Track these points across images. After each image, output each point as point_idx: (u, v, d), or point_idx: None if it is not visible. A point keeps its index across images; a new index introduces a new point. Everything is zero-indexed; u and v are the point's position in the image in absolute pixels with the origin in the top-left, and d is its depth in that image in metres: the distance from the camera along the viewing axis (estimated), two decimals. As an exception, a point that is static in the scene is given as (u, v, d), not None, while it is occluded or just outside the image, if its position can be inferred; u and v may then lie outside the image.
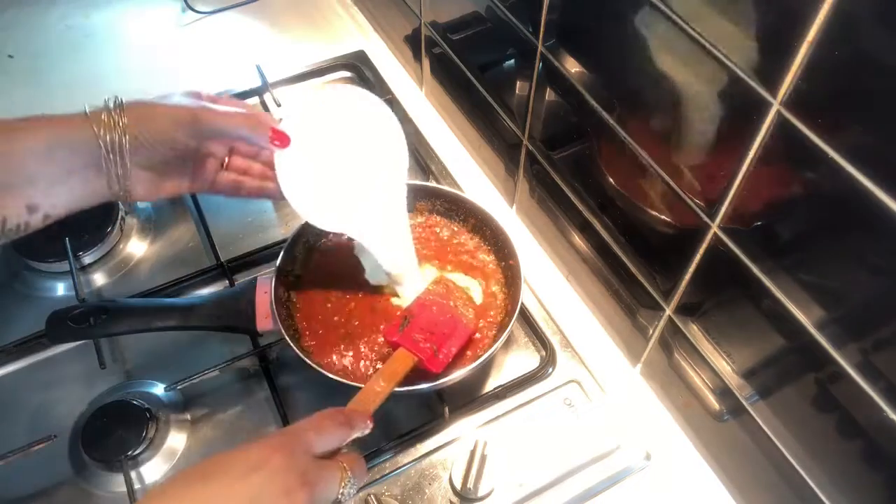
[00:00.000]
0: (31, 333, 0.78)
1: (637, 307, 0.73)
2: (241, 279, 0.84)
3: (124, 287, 0.85)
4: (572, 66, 0.69)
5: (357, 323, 0.74)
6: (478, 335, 0.72)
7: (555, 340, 0.78)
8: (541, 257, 0.89)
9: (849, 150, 0.43)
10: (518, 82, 0.80)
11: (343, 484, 0.50)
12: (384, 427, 0.73)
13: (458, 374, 0.67)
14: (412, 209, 0.82)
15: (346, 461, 0.52)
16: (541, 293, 0.83)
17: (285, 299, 0.74)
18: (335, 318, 0.74)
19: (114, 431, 0.70)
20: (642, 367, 0.77)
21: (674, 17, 0.52)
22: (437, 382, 0.67)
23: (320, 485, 0.49)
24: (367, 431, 0.56)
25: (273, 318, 0.70)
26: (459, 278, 0.77)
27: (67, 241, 0.84)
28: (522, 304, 0.75)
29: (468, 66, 0.91)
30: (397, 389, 0.67)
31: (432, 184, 0.87)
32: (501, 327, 0.72)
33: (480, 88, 0.89)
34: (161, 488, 0.46)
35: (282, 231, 0.90)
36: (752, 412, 0.61)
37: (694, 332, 0.65)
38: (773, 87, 0.46)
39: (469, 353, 0.71)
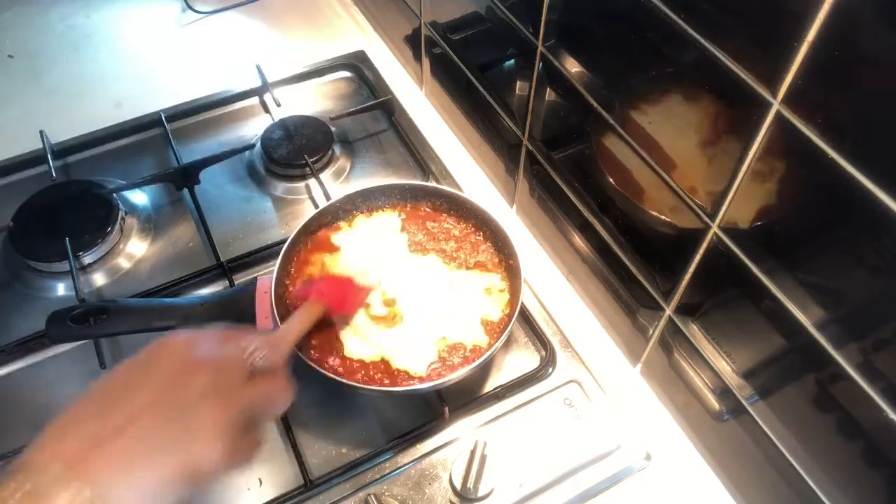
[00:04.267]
0: (31, 333, 0.78)
1: (637, 307, 0.73)
2: (241, 279, 0.84)
3: (124, 287, 0.85)
4: (572, 66, 0.69)
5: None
6: (479, 340, 0.72)
7: (555, 340, 0.78)
8: (541, 257, 0.89)
9: (848, 149, 0.43)
10: (518, 82, 0.80)
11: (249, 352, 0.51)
12: (384, 427, 0.73)
13: (458, 374, 0.67)
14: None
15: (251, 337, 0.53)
16: (541, 293, 0.83)
17: (285, 299, 0.74)
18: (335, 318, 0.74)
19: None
20: (642, 367, 0.77)
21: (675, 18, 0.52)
22: (438, 382, 0.67)
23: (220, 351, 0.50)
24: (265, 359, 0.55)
25: (273, 318, 0.70)
26: (474, 276, 0.77)
27: (67, 241, 0.84)
28: (522, 303, 0.75)
29: (468, 66, 0.91)
30: (397, 389, 0.67)
31: (432, 184, 0.87)
32: (502, 327, 0.72)
33: (480, 88, 0.89)
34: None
35: (282, 231, 0.90)
36: (752, 412, 0.61)
37: (694, 332, 0.65)
38: (772, 87, 0.46)
39: (468, 354, 0.71)
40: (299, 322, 0.64)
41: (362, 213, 0.82)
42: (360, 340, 0.71)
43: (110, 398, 0.46)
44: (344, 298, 0.72)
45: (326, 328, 0.73)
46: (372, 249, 0.78)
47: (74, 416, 0.46)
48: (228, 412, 0.47)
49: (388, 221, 0.82)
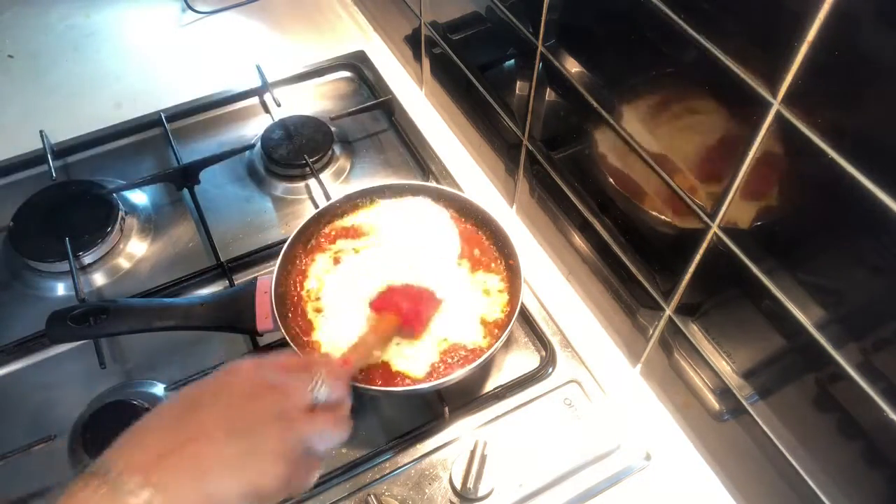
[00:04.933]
0: (31, 333, 0.78)
1: (637, 307, 0.73)
2: (241, 279, 0.84)
3: (124, 287, 0.85)
4: (572, 66, 0.69)
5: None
6: (479, 340, 0.72)
7: (555, 340, 0.78)
8: (541, 257, 0.89)
9: (848, 149, 0.43)
10: (518, 82, 0.80)
11: (314, 386, 0.52)
12: (384, 427, 0.73)
13: (458, 374, 0.67)
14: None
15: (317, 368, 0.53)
16: (541, 293, 0.83)
17: (285, 299, 0.74)
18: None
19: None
20: (642, 367, 0.77)
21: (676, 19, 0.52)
22: (438, 382, 0.67)
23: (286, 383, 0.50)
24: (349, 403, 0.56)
25: (273, 319, 0.70)
26: (474, 276, 0.77)
27: (68, 241, 0.84)
28: (522, 303, 0.75)
29: (468, 66, 0.91)
30: (397, 389, 0.67)
31: (432, 183, 0.87)
32: (502, 327, 0.72)
33: (480, 88, 0.89)
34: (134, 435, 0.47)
35: (282, 231, 0.90)
36: (751, 412, 0.61)
37: (694, 332, 0.65)
38: (772, 87, 0.46)
39: (468, 354, 0.71)
40: (366, 347, 0.65)
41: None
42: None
43: (182, 413, 0.48)
44: (418, 312, 0.70)
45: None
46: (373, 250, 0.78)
47: (148, 427, 0.48)
48: (291, 438, 0.48)
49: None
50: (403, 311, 0.69)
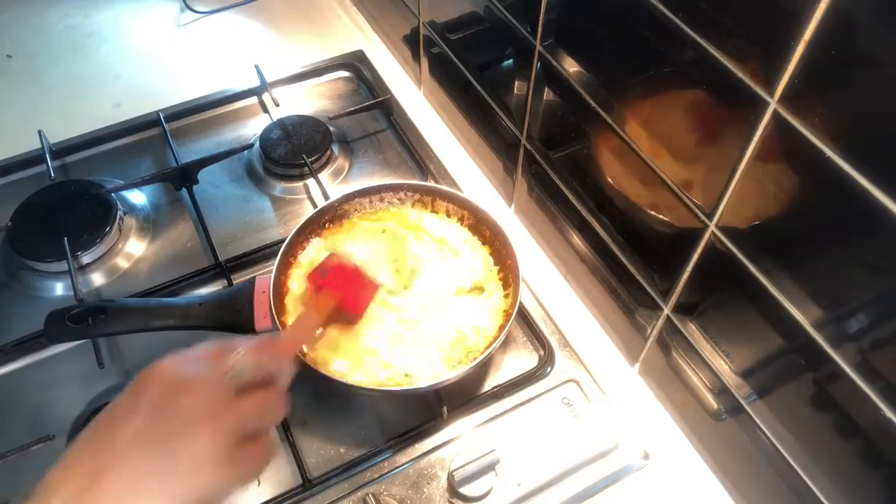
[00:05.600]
0: (29, 333, 0.78)
1: (635, 307, 0.73)
2: (240, 279, 0.84)
3: (123, 287, 0.85)
4: (570, 66, 0.69)
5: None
6: (477, 339, 0.72)
7: (553, 340, 0.78)
8: (539, 257, 0.89)
9: (846, 148, 0.43)
10: (516, 82, 0.80)
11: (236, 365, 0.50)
12: (383, 426, 0.73)
13: (456, 374, 0.67)
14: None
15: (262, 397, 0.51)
16: (539, 293, 0.83)
17: (284, 299, 0.74)
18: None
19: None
20: (640, 367, 0.77)
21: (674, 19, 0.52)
22: (436, 382, 0.67)
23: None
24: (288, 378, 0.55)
25: (271, 318, 0.70)
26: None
27: (66, 241, 0.84)
28: (521, 303, 0.75)
29: (467, 66, 0.91)
30: (395, 389, 0.67)
31: (430, 183, 0.87)
32: (500, 327, 0.72)
33: (479, 88, 0.89)
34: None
35: (280, 231, 0.90)
36: (749, 411, 0.61)
37: (692, 331, 0.66)
38: (769, 86, 0.46)
39: (468, 356, 0.71)
40: (304, 325, 0.63)
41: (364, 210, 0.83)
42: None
43: (105, 432, 0.46)
44: (356, 294, 0.69)
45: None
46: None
47: (76, 451, 0.46)
48: (216, 434, 0.46)
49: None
50: (341, 292, 0.67)
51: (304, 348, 0.69)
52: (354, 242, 0.78)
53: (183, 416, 0.46)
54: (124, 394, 0.49)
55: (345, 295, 0.68)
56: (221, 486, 0.46)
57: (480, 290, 0.75)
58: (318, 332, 0.69)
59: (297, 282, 0.75)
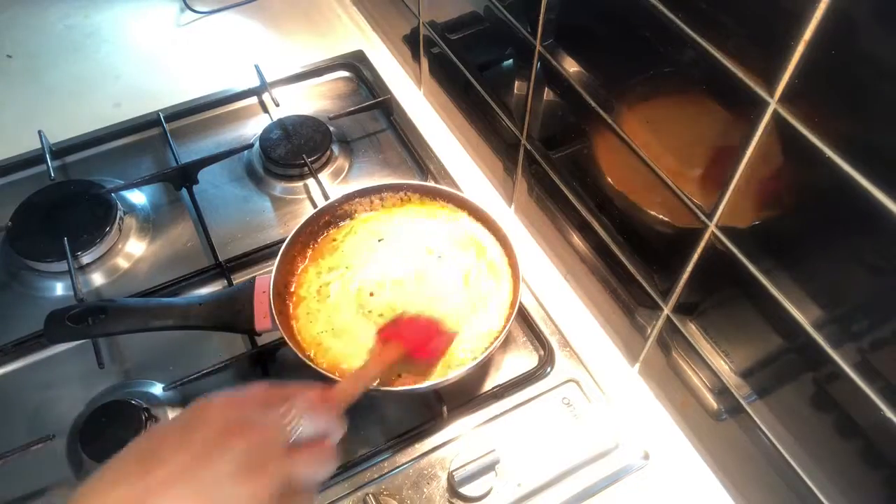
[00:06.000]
0: (29, 333, 0.78)
1: (635, 306, 0.73)
2: (240, 279, 0.84)
3: (123, 287, 0.85)
4: (570, 66, 0.69)
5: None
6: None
7: (553, 340, 0.78)
8: (539, 257, 0.89)
9: (846, 148, 0.43)
10: (516, 82, 0.80)
11: (291, 425, 0.48)
12: (382, 426, 0.73)
13: (456, 374, 0.67)
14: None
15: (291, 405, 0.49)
16: (539, 293, 0.83)
17: (283, 297, 0.74)
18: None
19: (112, 431, 0.70)
20: (640, 367, 0.77)
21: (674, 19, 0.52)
22: (436, 382, 0.67)
23: (256, 427, 0.46)
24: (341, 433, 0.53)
25: (271, 318, 0.70)
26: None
27: (66, 241, 0.84)
28: (521, 303, 0.75)
29: (467, 66, 0.91)
30: (395, 389, 0.67)
31: (430, 183, 0.87)
32: (500, 326, 0.72)
33: (479, 88, 0.89)
34: (95, 482, 0.44)
35: (280, 231, 0.90)
36: (749, 411, 0.61)
37: (692, 331, 0.66)
38: (769, 86, 0.46)
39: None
40: (361, 378, 0.61)
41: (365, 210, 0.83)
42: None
43: (147, 459, 0.45)
44: (427, 343, 0.67)
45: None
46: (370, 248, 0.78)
47: (113, 472, 0.45)
48: (259, 488, 0.44)
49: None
50: (411, 342, 0.65)
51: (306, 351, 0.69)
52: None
53: (229, 466, 0.44)
54: (175, 424, 0.48)
55: (415, 344, 0.66)
56: None
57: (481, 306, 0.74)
58: (375, 383, 0.65)
59: (304, 286, 0.75)
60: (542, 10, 0.68)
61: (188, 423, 0.47)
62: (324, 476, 0.50)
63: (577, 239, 0.80)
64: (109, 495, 0.43)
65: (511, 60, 0.81)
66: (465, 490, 0.66)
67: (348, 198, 0.81)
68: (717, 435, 0.68)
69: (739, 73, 0.48)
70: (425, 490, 0.67)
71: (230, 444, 0.45)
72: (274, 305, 0.71)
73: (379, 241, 0.79)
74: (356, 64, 1.10)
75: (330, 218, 0.81)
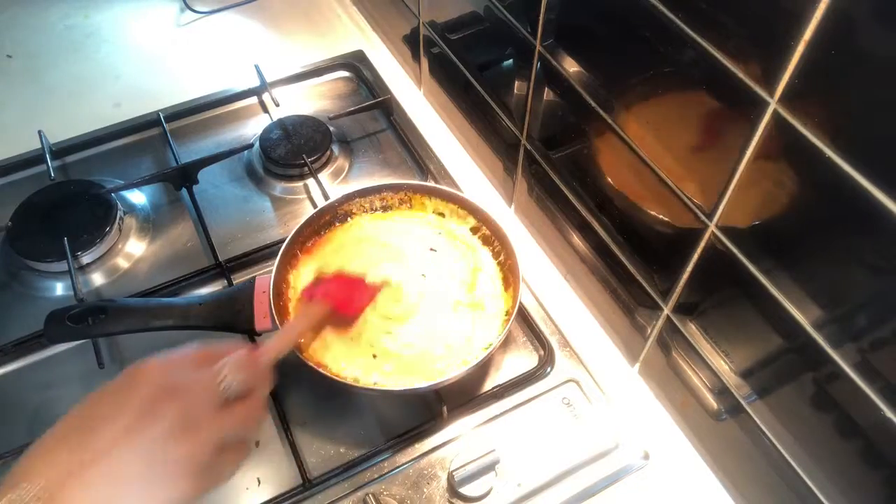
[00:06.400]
0: (29, 333, 0.78)
1: (635, 306, 0.73)
2: (240, 279, 0.84)
3: (123, 287, 0.85)
4: (570, 66, 0.69)
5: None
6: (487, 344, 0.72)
7: (553, 340, 0.78)
8: (539, 257, 0.89)
9: (846, 148, 0.43)
10: (516, 82, 0.80)
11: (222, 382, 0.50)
12: (383, 426, 0.73)
13: (456, 374, 0.67)
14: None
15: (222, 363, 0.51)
16: (539, 293, 0.83)
17: (284, 299, 0.74)
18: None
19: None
20: (640, 367, 0.77)
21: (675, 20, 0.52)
22: (436, 382, 0.67)
23: (190, 386, 0.48)
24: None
25: (271, 318, 0.70)
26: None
27: (66, 241, 0.84)
28: (521, 303, 0.75)
29: (467, 66, 0.91)
30: (395, 389, 0.67)
31: (430, 183, 0.87)
32: (500, 326, 0.72)
33: (479, 88, 0.89)
34: (34, 450, 0.45)
35: (280, 231, 0.90)
36: (749, 411, 0.61)
37: (692, 331, 0.66)
38: (770, 86, 0.46)
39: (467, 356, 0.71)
40: (286, 336, 0.63)
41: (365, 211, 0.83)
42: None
43: (86, 426, 0.46)
44: (350, 298, 0.70)
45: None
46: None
47: (54, 441, 0.46)
48: (196, 446, 0.47)
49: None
50: (335, 298, 0.68)
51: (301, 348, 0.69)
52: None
53: (165, 425, 0.46)
54: (110, 389, 0.48)
55: (337, 300, 0.68)
56: (189, 498, 0.46)
57: (481, 306, 0.75)
58: (302, 340, 0.69)
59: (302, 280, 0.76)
60: (542, 10, 0.68)
61: (121, 389, 0.48)
62: (254, 431, 0.52)
63: (577, 239, 0.80)
64: (49, 465, 0.44)
65: (511, 60, 0.81)
66: (465, 490, 0.66)
67: (348, 198, 0.81)
68: (717, 435, 0.68)
69: (739, 73, 0.48)
70: (425, 490, 0.67)
71: (163, 407, 0.47)
72: (274, 305, 0.71)
73: (379, 241, 0.79)
74: (356, 64, 1.10)
75: (330, 218, 0.81)
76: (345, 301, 0.69)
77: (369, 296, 0.71)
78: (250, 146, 0.97)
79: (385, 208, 0.83)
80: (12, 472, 0.44)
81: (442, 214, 0.82)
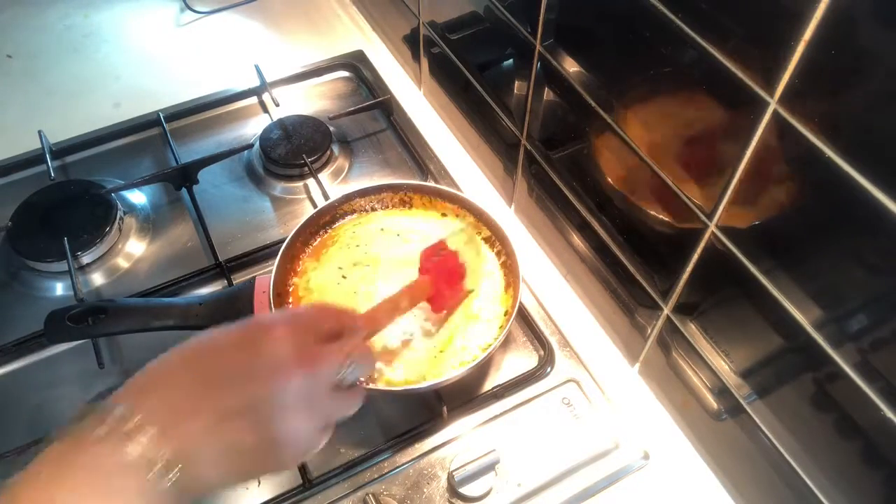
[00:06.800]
0: (29, 333, 0.78)
1: (635, 306, 0.73)
2: (240, 279, 0.84)
3: (123, 287, 0.85)
4: (570, 66, 0.69)
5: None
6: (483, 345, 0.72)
7: (553, 340, 0.78)
8: (539, 257, 0.89)
9: (846, 148, 0.43)
10: (516, 82, 0.80)
11: (344, 368, 0.50)
12: (383, 426, 0.73)
13: (456, 374, 0.67)
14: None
15: (350, 347, 0.51)
16: (539, 293, 0.83)
17: (284, 299, 0.74)
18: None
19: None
20: (640, 367, 0.77)
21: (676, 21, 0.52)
22: (436, 382, 0.67)
23: (320, 365, 0.49)
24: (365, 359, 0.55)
25: (271, 318, 0.70)
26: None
27: (66, 241, 0.84)
28: (521, 303, 0.75)
29: (467, 66, 0.91)
30: (395, 389, 0.67)
31: (431, 183, 0.87)
32: (500, 327, 0.72)
33: (479, 88, 0.89)
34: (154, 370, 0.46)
35: (280, 231, 0.90)
36: (749, 411, 0.61)
37: (692, 331, 0.66)
38: (770, 86, 0.46)
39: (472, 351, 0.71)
40: (393, 311, 0.62)
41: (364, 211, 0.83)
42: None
43: (213, 379, 0.46)
44: (447, 294, 0.68)
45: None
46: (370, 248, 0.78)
47: (174, 375, 0.46)
48: (309, 425, 0.48)
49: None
50: (436, 285, 0.67)
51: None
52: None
53: (291, 400, 0.46)
54: (234, 340, 0.48)
55: (437, 291, 0.67)
56: (284, 468, 0.49)
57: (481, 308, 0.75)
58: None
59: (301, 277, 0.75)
60: (542, 10, 0.68)
61: (245, 345, 0.48)
62: (350, 415, 0.52)
63: (577, 239, 0.80)
64: (172, 397, 0.44)
65: (511, 60, 0.81)
66: (465, 490, 0.66)
67: (348, 198, 0.81)
68: (717, 435, 0.68)
69: (739, 73, 0.48)
70: (425, 490, 0.67)
71: (292, 376, 0.46)
72: (274, 305, 0.71)
73: (379, 241, 0.79)
74: (356, 64, 1.10)
75: (330, 218, 0.81)
76: (441, 295, 0.68)
77: (458, 300, 0.71)
78: (250, 146, 0.97)
79: (403, 203, 0.83)
80: (113, 404, 0.42)
81: (444, 215, 0.82)
